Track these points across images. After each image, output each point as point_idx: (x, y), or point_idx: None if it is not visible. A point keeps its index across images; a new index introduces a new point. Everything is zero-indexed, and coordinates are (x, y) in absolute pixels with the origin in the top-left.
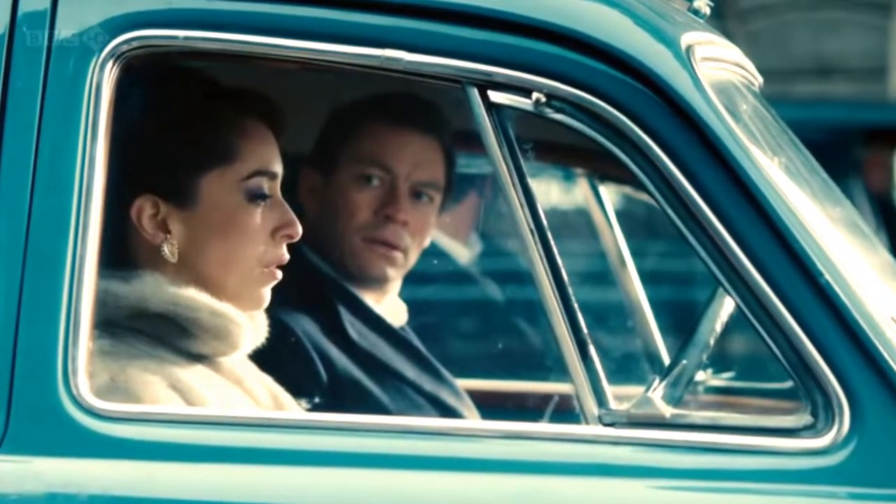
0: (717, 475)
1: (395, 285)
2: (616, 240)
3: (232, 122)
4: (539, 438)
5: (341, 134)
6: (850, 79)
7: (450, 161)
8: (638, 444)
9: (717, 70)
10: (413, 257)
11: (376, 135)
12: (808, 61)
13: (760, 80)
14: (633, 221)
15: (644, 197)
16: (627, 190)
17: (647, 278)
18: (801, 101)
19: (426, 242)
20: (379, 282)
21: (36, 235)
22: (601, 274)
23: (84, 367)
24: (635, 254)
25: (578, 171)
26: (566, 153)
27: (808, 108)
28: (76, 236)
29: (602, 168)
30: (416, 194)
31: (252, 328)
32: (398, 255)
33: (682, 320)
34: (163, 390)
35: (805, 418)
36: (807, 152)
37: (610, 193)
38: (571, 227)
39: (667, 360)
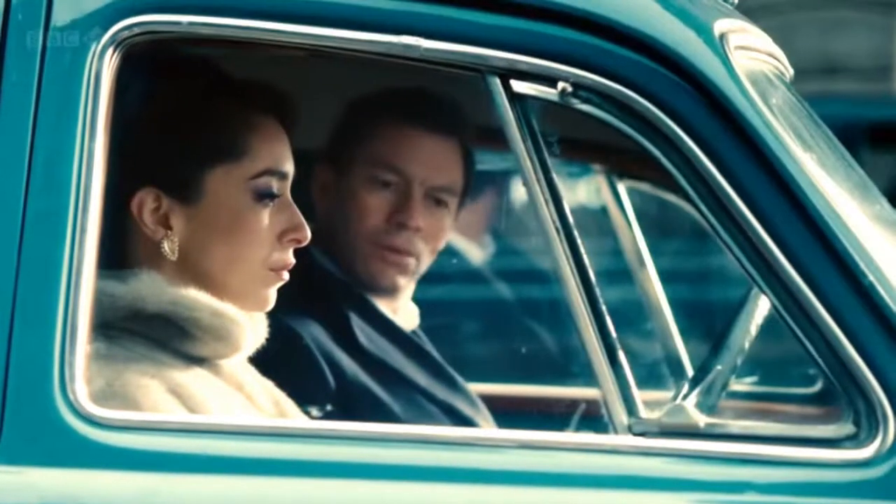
0: (754, 488)
1: (408, 289)
2: (635, 239)
3: (242, 117)
4: (563, 449)
5: (356, 133)
6: (856, 77)
7: (468, 164)
8: (670, 454)
9: (750, 60)
10: (426, 263)
11: (392, 136)
12: (814, 60)
13: (791, 71)
14: (648, 220)
15: (659, 194)
16: (643, 187)
17: (664, 278)
18: (805, 99)
19: (440, 247)
20: (389, 291)
21: (31, 235)
22: (620, 274)
23: (82, 372)
24: (651, 253)
25: (596, 167)
26: (586, 148)
27: (813, 105)
28: (73, 236)
29: (622, 164)
30: (432, 199)
31: (254, 329)
32: (410, 261)
33: (700, 321)
34: (161, 395)
35: (847, 428)
36: (841, 147)
37: (624, 191)
38: (588, 226)
39: (687, 364)
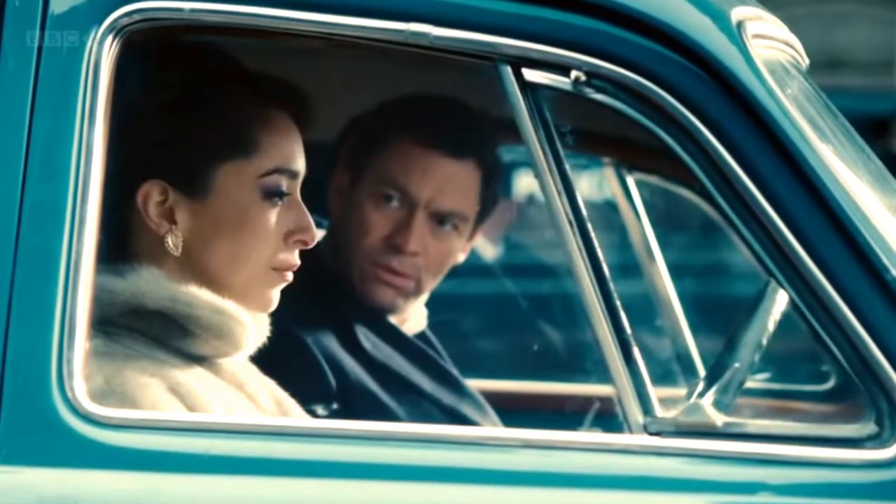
0: (773, 489)
1: (411, 305)
2: (644, 233)
3: (252, 111)
4: (576, 448)
5: (372, 143)
6: (859, 72)
7: (488, 190)
8: (687, 454)
9: (767, 48)
10: (429, 285)
11: (404, 154)
12: (817, 54)
13: (807, 60)
14: (658, 213)
15: (669, 187)
16: (653, 179)
17: (675, 273)
18: None
19: (446, 269)
20: (386, 309)
21: (28, 228)
22: (630, 269)
23: (80, 370)
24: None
25: (606, 159)
26: (597, 139)
27: None
28: (72, 229)
29: (632, 156)
30: (440, 221)
31: (256, 328)
32: (408, 283)
33: (713, 317)
34: (162, 394)
35: (869, 427)
36: (859, 138)
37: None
38: (597, 220)
39: (698, 360)
